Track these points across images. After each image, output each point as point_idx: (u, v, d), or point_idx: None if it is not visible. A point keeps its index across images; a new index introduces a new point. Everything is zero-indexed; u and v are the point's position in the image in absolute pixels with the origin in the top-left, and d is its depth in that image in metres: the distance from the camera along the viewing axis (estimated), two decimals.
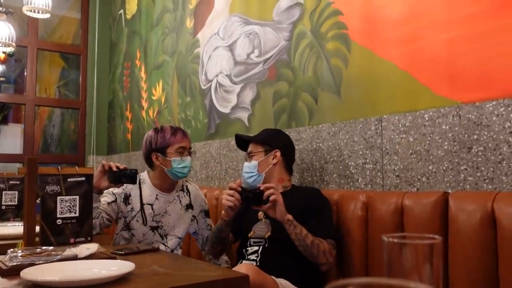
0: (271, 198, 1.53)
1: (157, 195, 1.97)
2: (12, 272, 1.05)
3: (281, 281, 1.55)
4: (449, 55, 1.53)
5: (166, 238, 1.97)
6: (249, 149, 1.87)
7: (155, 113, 3.57)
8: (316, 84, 2.06)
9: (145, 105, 3.74)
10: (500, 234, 1.25)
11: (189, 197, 2.04)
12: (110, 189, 1.85)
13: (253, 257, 1.67)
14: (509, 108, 1.36)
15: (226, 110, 2.70)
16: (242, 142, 1.95)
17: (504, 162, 1.37)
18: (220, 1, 2.81)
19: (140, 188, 1.93)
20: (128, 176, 1.73)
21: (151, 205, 1.96)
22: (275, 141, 1.85)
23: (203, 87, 2.94)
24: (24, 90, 4.34)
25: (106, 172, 1.74)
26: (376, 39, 1.80)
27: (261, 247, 1.69)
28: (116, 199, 1.92)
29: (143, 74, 3.82)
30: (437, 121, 1.55)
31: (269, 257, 1.64)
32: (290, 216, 1.55)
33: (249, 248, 1.71)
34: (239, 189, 1.60)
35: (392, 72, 1.73)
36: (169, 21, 3.45)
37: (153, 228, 1.95)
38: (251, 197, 1.57)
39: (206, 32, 2.94)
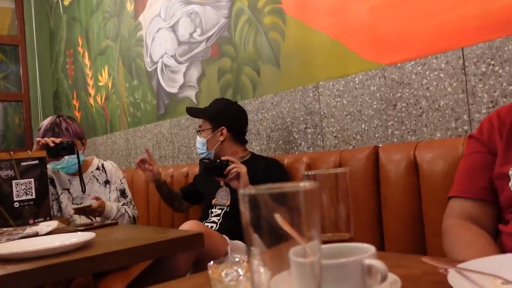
0: (233, 171, 1.59)
1: (69, 179, 2.03)
2: None
3: (236, 242, 1.67)
4: (372, 22, 1.68)
5: (95, 218, 2.03)
6: (200, 123, 1.95)
7: (103, 99, 3.56)
8: (257, 57, 2.17)
9: (92, 91, 3.72)
10: (422, 178, 1.42)
11: (106, 174, 2.10)
12: None
13: (215, 219, 1.79)
14: (425, 66, 1.53)
15: (173, 90, 2.77)
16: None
17: (424, 115, 1.55)
18: None
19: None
20: (65, 148, 1.78)
21: (68, 189, 2.03)
22: (221, 117, 1.88)
23: (149, 69, 2.98)
24: None
25: (43, 149, 1.76)
26: (308, 12, 1.92)
27: (222, 211, 1.81)
28: None
29: (87, 61, 3.78)
30: (366, 83, 1.71)
31: (228, 220, 1.76)
32: (252, 187, 1.62)
33: (213, 211, 1.84)
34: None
35: (324, 41, 1.86)
36: (109, 5, 3.42)
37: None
38: (212, 168, 1.63)
39: (147, 14, 2.96)
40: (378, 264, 0.50)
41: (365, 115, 1.72)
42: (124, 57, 3.27)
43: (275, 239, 0.46)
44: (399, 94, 1.61)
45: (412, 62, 1.56)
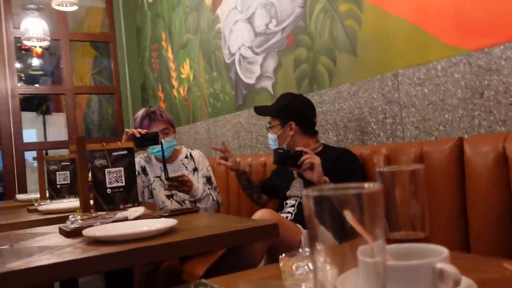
0: (307, 161, 1.60)
1: (161, 167, 2.15)
2: (74, 233, 1.23)
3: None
4: (456, 5, 1.58)
5: (185, 203, 2.15)
6: (268, 120, 1.99)
7: (185, 90, 3.73)
8: (333, 46, 2.14)
9: (175, 83, 3.90)
10: None
11: (194, 162, 2.24)
12: None
13: (290, 209, 1.82)
14: None
15: (251, 80, 2.82)
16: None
17: None
18: None
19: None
20: (150, 139, 1.93)
21: (159, 177, 2.18)
22: (288, 112, 1.89)
23: (227, 61, 3.06)
24: (61, 81, 4.59)
25: (130, 139, 1.93)
26: None
27: (297, 202, 1.83)
28: (138, 173, 2.15)
29: (170, 55, 3.96)
30: (449, 70, 1.61)
31: (303, 211, 1.77)
32: (326, 178, 1.61)
33: (288, 202, 1.87)
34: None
35: (403, 27, 1.78)
36: (188, 0, 3.55)
37: (168, 197, 2.16)
38: (286, 158, 1.65)
39: (225, 7, 3.03)
40: (450, 268, 0.48)
41: (448, 105, 1.63)
42: (203, 49, 3.38)
43: (343, 236, 0.47)
44: (486, 82, 1.50)
45: (502, 47, 1.45)
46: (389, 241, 0.71)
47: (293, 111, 1.90)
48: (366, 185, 0.45)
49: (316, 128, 1.96)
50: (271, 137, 1.94)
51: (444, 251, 0.53)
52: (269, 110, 2.00)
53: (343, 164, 1.73)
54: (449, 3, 1.60)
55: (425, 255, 0.56)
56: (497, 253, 1.32)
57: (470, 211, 1.41)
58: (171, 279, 1.79)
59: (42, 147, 4.63)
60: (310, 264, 0.73)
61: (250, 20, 2.76)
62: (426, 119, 1.72)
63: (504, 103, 1.46)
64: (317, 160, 1.61)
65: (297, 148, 1.67)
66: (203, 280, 0.68)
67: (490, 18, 1.48)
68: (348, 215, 0.47)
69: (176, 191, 2.15)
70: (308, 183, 1.72)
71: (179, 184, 1.92)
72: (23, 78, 6.65)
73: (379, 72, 1.90)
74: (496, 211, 1.35)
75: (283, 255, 0.75)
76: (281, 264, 0.74)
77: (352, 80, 2.04)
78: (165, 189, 2.09)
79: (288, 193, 1.88)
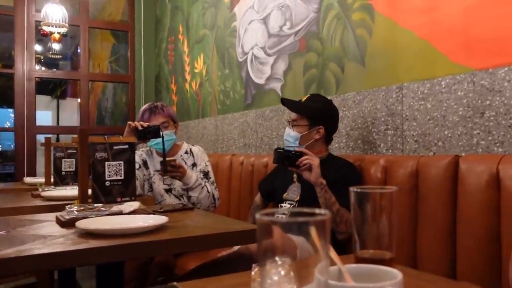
0: (305, 162, 1.62)
1: (160, 161, 2.18)
2: (69, 224, 1.27)
3: (299, 239, 1.70)
4: (466, 24, 1.58)
5: (183, 198, 2.19)
6: (294, 117, 1.89)
7: (197, 85, 3.77)
8: (343, 54, 2.15)
9: (188, 77, 3.94)
10: (503, 195, 1.32)
11: (193, 157, 2.28)
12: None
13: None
14: None
15: (261, 81, 2.84)
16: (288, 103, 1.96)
17: None
18: None
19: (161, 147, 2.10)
20: (151, 132, 1.98)
21: (159, 171, 2.21)
22: (321, 116, 1.85)
23: (240, 60, 3.08)
24: (79, 66, 4.66)
25: (132, 131, 1.99)
26: (398, 9, 1.85)
27: (291, 206, 1.85)
28: (139, 166, 2.19)
29: (186, 48, 4.00)
30: (453, 87, 1.61)
31: None
32: (323, 181, 1.63)
33: (283, 205, 1.88)
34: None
35: (412, 41, 1.78)
36: None
37: (167, 191, 2.20)
38: (285, 157, 1.66)
39: (242, 6, 3.05)
40: None
41: (449, 121, 1.63)
42: (218, 46, 3.41)
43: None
44: (488, 102, 1.50)
45: (506, 68, 1.44)
46: (358, 259, 0.74)
47: (327, 116, 1.87)
48: (317, 211, 0.48)
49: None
50: (293, 135, 1.87)
51: (398, 275, 0.55)
52: (302, 107, 1.89)
53: (343, 176, 1.73)
54: (459, 21, 1.60)
55: (383, 277, 0.58)
56: (483, 272, 1.32)
57: (460, 229, 1.42)
58: (163, 273, 1.83)
59: (54, 131, 4.73)
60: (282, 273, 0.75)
61: (265, 20, 2.77)
62: (426, 134, 1.72)
63: (503, 124, 1.46)
64: (315, 162, 1.63)
65: (297, 149, 1.69)
66: (175, 284, 0.71)
67: (498, 39, 1.48)
68: (313, 231, 0.50)
69: (174, 186, 2.19)
70: (306, 184, 1.73)
71: (172, 168, 1.96)
72: (42, 60, 6.77)
73: (385, 83, 1.91)
74: (484, 232, 1.35)
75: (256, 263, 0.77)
76: (252, 273, 0.76)
77: (358, 89, 2.05)
78: (161, 175, 2.11)
79: (284, 195, 1.90)
